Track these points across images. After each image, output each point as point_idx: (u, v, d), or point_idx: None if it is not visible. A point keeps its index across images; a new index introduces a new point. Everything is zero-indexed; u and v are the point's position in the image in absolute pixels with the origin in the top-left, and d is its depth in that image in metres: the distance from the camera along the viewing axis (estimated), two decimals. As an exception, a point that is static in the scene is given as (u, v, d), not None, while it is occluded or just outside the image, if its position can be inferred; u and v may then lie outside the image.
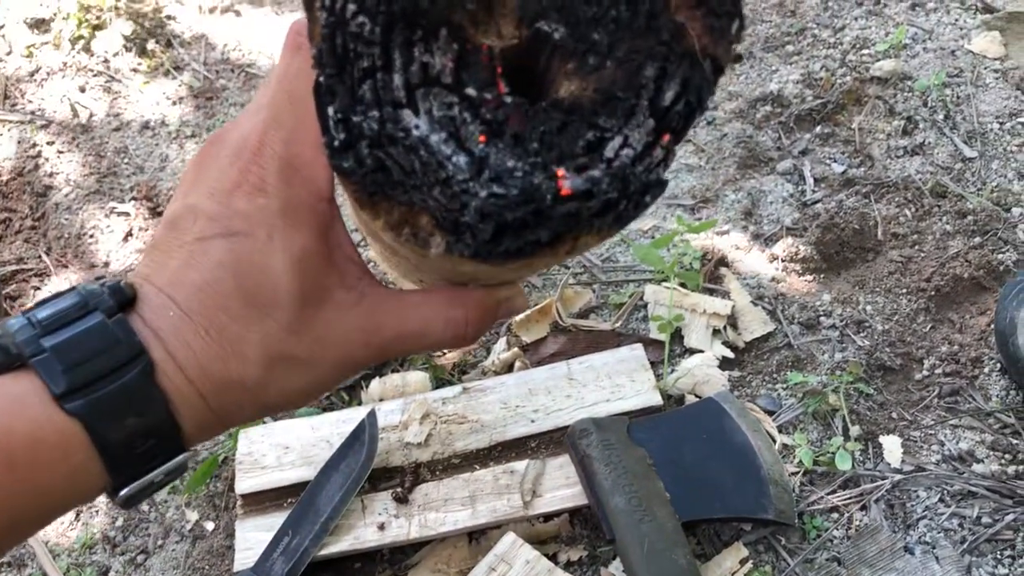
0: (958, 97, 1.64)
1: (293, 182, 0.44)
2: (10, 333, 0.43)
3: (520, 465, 1.22)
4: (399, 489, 1.21)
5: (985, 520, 1.17)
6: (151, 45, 2.02)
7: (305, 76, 0.41)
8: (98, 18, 2.05)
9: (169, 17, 2.08)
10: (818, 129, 1.66)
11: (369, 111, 0.36)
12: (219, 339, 0.44)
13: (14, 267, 1.70)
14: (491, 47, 0.37)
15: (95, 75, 1.98)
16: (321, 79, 0.37)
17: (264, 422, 1.32)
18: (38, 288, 1.69)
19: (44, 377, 0.42)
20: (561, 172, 0.36)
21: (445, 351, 1.38)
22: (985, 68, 1.68)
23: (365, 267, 0.48)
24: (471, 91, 0.37)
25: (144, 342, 0.43)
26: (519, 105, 0.37)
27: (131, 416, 0.43)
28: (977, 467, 1.22)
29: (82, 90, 1.97)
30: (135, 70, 1.99)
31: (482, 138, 0.36)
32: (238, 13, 2.10)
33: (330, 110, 0.37)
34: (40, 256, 1.72)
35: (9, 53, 2.03)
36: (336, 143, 0.37)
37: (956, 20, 1.78)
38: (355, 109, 0.37)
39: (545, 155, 0.37)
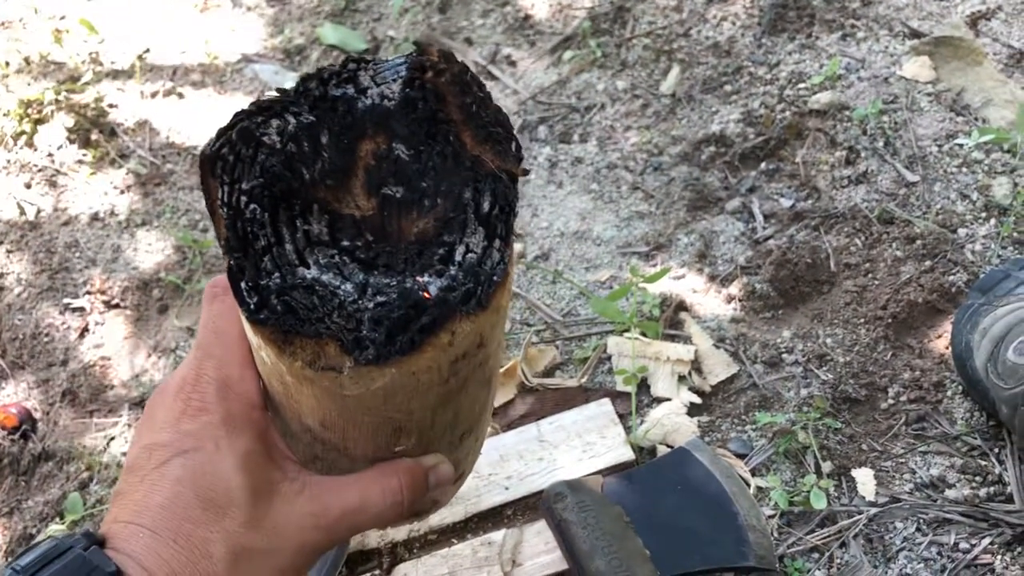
0: (895, 123, 1.68)
1: (229, 398, 0.54)
2: None
3: (497, 535, 1.21)
4: (377, 571, 1.19)
5: (963, 546, 1.18)
6: (95, 135, 2.01)
7: (223, 316, 0.55)
8: (39, 112, 2.04)
9: (111, 105, 2.08)
10: (763, 166, 1.69)
11: (272, 275, 0.46)
12: (187, 545, 0.50)
13: (-31, 374, 1.67)
14: (354, 216, 0.48)
15: (40, 170, 1.97)
16: (232, 262, 0.46)
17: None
18: (-4, 393, 1.66)
19: None
20: (425, 278, 0.47)
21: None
22: (919, 93, 1.72)
23: (299, 463, 0.56)
24: (345, 243, 0.48)
25: (120, 564, 0.49)
26: (383, 247, 0.48)
27: None
28: (950, 492, 1.23)
29: (28, 186, 1.95)
30: (80, 162, 1.98)
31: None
32: (181, 96, 2.10)
33: (242, 284, 0.46)
34: (-5, 360, 1.70)
35: (-49, 156, 2.02)
36: (252, 306, 0.46)
37: (886, 47, 1.82)
38: (261, 277, 0.46)
39: (411, 270, 0.47)
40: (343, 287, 0.46)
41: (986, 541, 1.17)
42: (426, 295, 0.47)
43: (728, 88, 1.83)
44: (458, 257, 0.48)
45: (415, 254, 0.48)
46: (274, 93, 0.51)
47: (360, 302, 0.46)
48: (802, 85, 1.79)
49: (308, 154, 0.49)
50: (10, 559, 0.51)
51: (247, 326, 0.50)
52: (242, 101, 2.07)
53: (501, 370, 1.42)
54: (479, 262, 0.48)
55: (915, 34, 1.83)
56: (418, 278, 0.47)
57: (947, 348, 1.36)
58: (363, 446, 0.56)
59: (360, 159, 0.49)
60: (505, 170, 0.50)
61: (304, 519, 0.53)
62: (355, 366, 0.46)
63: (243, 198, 0.47)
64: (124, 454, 1.50)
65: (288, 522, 0.53)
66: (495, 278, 0.48)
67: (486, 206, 0.48)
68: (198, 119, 2.04)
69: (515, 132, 0.51)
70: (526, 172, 0.51)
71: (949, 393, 1.33)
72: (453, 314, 0.47)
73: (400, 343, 0.46)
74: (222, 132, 0.49)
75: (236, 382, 0.54)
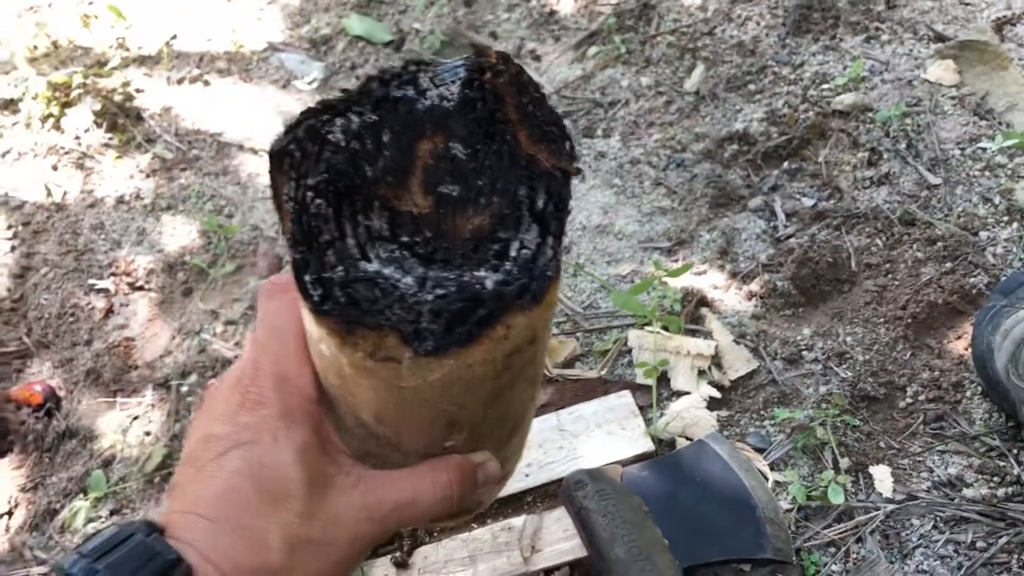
0: (918, 126, 1.68)
1: (286, 391, 0.54)
2: (63, 569, 0.50)
3: (518, 521, 1.22)
4: (398, 554, 1.21)
5: (980, 544, 1.19)
6: (121, 120, 2.03)
7: (280, 312, 0.56)
8: (67, 96, 2.06)
9: (137, 90, 2.09)
10: (786, 165, 1.70)
11: (335, 268, 0.47)
12: (245, 535, 0.51)
13: (-5, 351, 1.69)
14: (412, 212, 0.50)
15: (66, 153, 1.99)
16: (297, 256, 0.47)
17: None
18: (20, 371, 1.68)
19: None
20: (481, 272, 0.48)
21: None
22: (942, 96, 1.73)
23: (353, 458, 0.57)
24: (405, 238, 0.49)
25: (181, 552, 0.50)
26: (440, 243, 0.49)
27: None
28: (967, 492, 1.24)
29: (55, 168, 1.97)
30: (106, 145, 2.00)
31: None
32: (206, 83, 2.11)
33: (307, 277, 0.47)
34: (21, 338, 1.72)
35: (-21, 136, 2.04)
36: (316, 298, 0.47)
37: (910, 51, 1.83)
38: (324, 270, 0.47)
39: (468, 265, 0.48)
40: (404, 280, 0.48)
41: (1003, 540, 1.18)
42: (483, 289, 0.48)
43: (752, 87, 1.84)
44: (513, 253, 0.49)
45: (471, 250, 0.49)
46: (338, 94, 0.52)
47: (420, 295, 0.47)
48: (826, 86, 1.79)
49: (370, 152, 0.50)
50: (78, 545, 0.52)
51: (309, 319, 0.51)
52: (267, 89, 2.09)
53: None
54: (533, 258, 0.49)
55: (940, 38, 1.83)
56: (475, 272, 0.48)
57: (967, 349, 1.37)
58: (416, 440, 0.58)
59: (419, 158, 0.51)
60: (559, 168, 0.51)
61: (359, 511, 0.54)
62: (414, 357, 0.48)
63: (308, 193, 0.49)
64: (147, 433, 1.52)
65: (343, 514, 0.54)
66: (548, 273, 0.49)
67: (540, 203, 0.50)
68: (224, 106, 2.06)
69: (568, 134, 0.53)
70: (579, 171, 0.53)
71: (968, 394, 1.33)
72: (509, 308, 0.48)
73: (458, 335, 0.47)
74: (290, 129, 0.51)
75: (293, 376, 0.55)
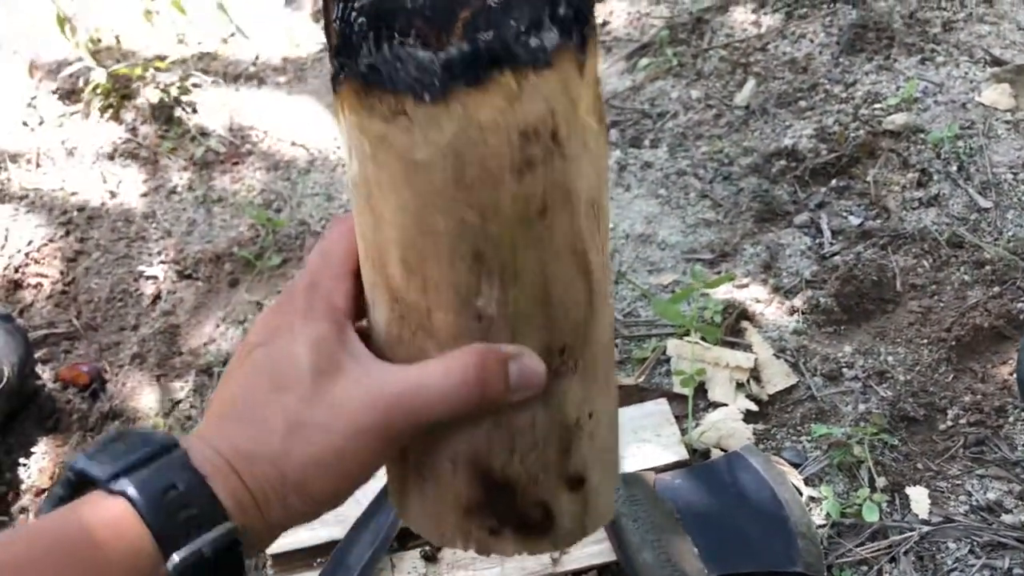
0: (971, 149, 1.67)
1: (314, 295, 0.55)
2: (69, 466, 0.51)
3: (548, 522, 1.22)
4: (428, 547, 1.22)
5: (1016, 572, 1.17)
6: (177, 112, 2.07)
7: (331, 240, 0.58)
8: (126, 87, 2.11)
9: (195, 85, 2.14)
10: (833, 182, 1.69)
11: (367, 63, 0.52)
12: (251, 420, 0.52)
13: (45, 331, 1.73)
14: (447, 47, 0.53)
15: (123, 142, 2.04)
16: (337, 63, 0.53)
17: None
18: (68, 352, 1.72)
19: (93, 473, 0.49)
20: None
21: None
22: (996, 120, 1.71)
23: (376, 357, 0.55)
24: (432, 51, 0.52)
25: (181, 442, 0.51)
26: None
27: (170, 490, 0.49)
28: (1006, 518, 1.22)
29: (111, 157, 2.02)
30: (162, 137, 2.04)
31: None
32: (262, 81, 2.15)
33: (341, 76, 0.53)
34: (70, 320, 1.76)
35: (41, 123, 2.09)
36: (341, 77, 0.53)
37: (966, 73, 1.81)
38: (357, 68, 0.53)
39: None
40: (424, 54, 0.52)
41: (1041, 568, 1.16)
42: (492, 44, 0.51)
43: (803, 104, 1.83)
44: (533, 45, 0.52)
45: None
46: None
47: (436, 57, 0.51)
48: (877, 105, 1.78)
49: None
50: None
51: (344, 123, 0.55)
52: (320, 90, 2.12)
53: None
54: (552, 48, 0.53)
55: (996, 62, 1.81)
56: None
57: (1011, 374, 1.35)
58: (446, 296, 0.55)
59: (459, 19, 0.53)
60: None
61: (361, 398, 0.52)
62: (425, 105, 0.51)
63: (353, 13, 0.53)
64: (188, 417, 1.55)
65: (346, 400, 0.52)
66: (561, 47, 0.53)
67: (561, 11, 0.53)
68: (277, 105, 2.09)
69: None
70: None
71: (1011, 419, 1.32)
72: (519, 62, 0.51)
73: (465, 77, 0.51)
74: None
75: (324, 284, 0.56)
